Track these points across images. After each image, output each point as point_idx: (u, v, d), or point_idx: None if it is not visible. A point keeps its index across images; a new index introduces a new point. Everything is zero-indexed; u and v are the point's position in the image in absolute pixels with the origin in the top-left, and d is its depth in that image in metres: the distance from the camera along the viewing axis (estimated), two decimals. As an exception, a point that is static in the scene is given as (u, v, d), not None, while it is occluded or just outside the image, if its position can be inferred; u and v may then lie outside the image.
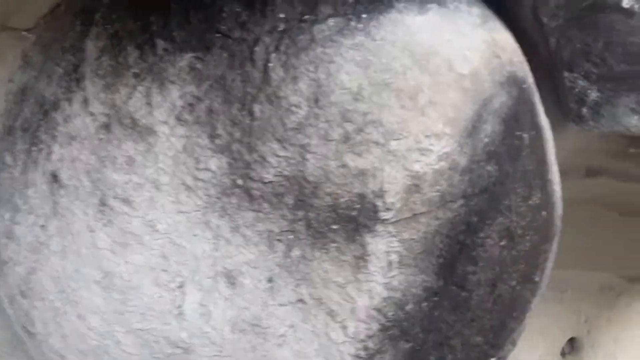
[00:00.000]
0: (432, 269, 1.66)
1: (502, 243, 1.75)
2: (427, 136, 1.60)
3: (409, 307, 1.66)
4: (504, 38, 1.78)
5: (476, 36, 1.71)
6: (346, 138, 1.50)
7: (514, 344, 1.89)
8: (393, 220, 1.59)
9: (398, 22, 1.62)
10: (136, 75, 1.64)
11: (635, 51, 2.07)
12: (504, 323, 1.80)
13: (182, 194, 1.52)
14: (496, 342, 1.81)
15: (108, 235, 1.65)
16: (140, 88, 1.63)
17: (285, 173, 1.51)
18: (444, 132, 1.61)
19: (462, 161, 1.63)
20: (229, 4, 1.60)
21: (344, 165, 1.57)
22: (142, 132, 1.60)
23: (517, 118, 1.74)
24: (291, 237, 1.63)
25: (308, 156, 1.56)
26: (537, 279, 1.91)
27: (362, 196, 1.58)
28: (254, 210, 1.61)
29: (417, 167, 1.58)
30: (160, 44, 1.61)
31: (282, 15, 1.60)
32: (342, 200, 1.58)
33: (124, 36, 1.68)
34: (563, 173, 2.41)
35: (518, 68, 1.78)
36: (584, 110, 2.16)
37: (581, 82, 2.11)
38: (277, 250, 1.63)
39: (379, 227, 1.59)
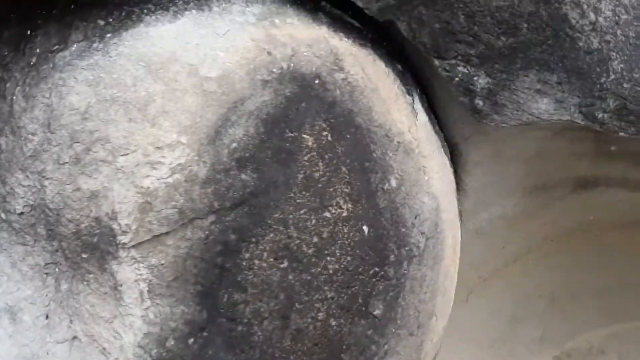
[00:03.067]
0: (190, 298, 1.42)
1: (282, 265, 1.43)
2: (157, 148, 1.41)
3: (170, 343, 1.43)
4: (288, 33, 1.53)
5: (239, 36, 1.49)
6: (77, 159, 1.40)
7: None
8: (133, 243, 1.41)
9: (141, 35, 1.50)
10: None
11: (507, 17, 1.60)
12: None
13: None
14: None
15: None
16: None
17: (31, 202, 1.46)
18: (178, 142, 1.41)
19: (202, 172, 1.40)
20: (-2, 48, 1.63)
21: (78, 189, 1.45)
22: None
23: (290, 118, 1.45)
24: (56, 269, 1.54)
25: (46, 182, 1.48)
26: (376, 311, 1.50)
27: (98, 220, 1.44)
28: (21, 244, 1.57)
29: (147, 182, 1.40)
30: None
31: (37, 51, 1.60)
32: (83, 226, 1.46)
33: None
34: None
35: (305, 63, 1.50)
36: (478, 102, 1.71)
37: (461, 69, 1.68)
38: (48, 285, 1.55)
39: (122, 253, 1.43)
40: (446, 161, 1.74)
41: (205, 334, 1.40)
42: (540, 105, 1.63)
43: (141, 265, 1.41)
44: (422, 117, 1.71)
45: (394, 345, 1.53)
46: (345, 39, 1.62)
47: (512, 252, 2.35)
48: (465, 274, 2.38)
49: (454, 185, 1.76)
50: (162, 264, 1.40)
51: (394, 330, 1.52)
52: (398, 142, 1.60)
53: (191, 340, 1.41)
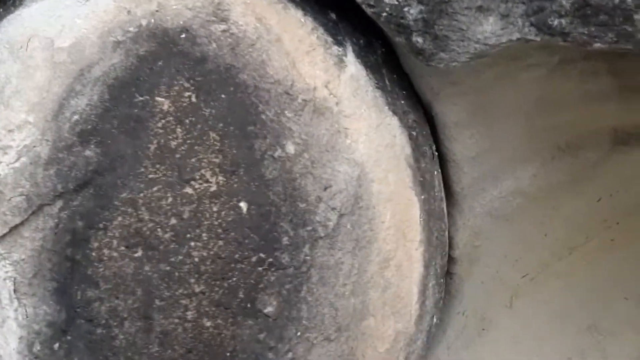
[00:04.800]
0: (49, 297, 1.24)
1: (136, 254, 1.18)
2: (9, 131, 1.27)
3: (36, 349, 1.26)
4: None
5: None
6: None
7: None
8: (-5, 238, 1.29)
9: (15, 17, 1.40)
10: None
11: None
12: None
13: None
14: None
15: None
16: None
17: None
18: (26, 122, 1.26)
19: (44, 151, 1.22)
20: None
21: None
22: None
23: (142, 80, 1.22)
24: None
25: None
26: (267, 309, 1.18)
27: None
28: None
29: (-1, 170, 1.27)
30: None
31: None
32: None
33: None
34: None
35: (172, 18, 1.27)
36: (417, 39, 1.33)
37: (389, 1, 1.32)
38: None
39: (-8, 249, 1.31)
40: (392, 121, 1.35)
41: (68, 337, 1.19)
42: (485, 26, 1.18)
43: (7, 262, 1.25)
44: (353, 69, 1.35)
45: (303, 353, 1.18)
46: (244, -12, 1.34)
47: (561, 240, 1.80)
48: (502, 272, 1.87)
49: (407, 151, 1.36)
50: (22, 259, 1.23)
51: (298, 334, 1.17)
52: (304, 100, 1.27)
53: (56, 345, 1.21)
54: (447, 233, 1.53)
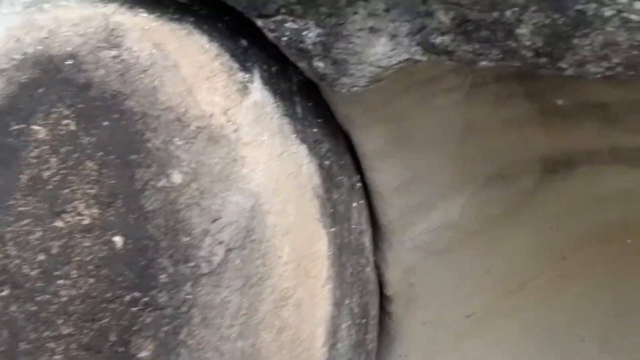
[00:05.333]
0: None
1: (3, 293, 1.10)
2: None
3: None
4: (53, 16, 1.26)
5: (-1, 25, 1.27)
6: None
7: None
8: None
9: None
10: None
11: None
12: None
13: None
14: None
15: None
16: None
17: None
18: None
19: None
20: None
21: None
22: None
23: (20, 107, 1.15)
24: None
25: None
26: (142, 353, 1.08)
27: None
28: None
29: None
30: None
31: None
32: None
33: None
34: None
35: (60, 44, 1.22)
36: (318, 63, 1.26)
37: (288, 25, 1.26)
38: None
39: None
40: (298, 150, 1.27)
41: None
42: (378, 48, 1.11)
43: None
44: (258, 96, 1.28)
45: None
46: (145, 14, 1.29)
47: (508, 276, 1.68)
48: (445, 312, 1.76)
49: (315, 180, 1.28)
50: None
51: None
52: (198, 127, 1.19)
53: None
54: (368, 269, 1.43)
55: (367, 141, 1.39)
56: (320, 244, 1.25)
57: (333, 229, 1.30)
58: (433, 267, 1.62)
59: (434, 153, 1.40)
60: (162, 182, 1.14)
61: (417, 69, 1.23)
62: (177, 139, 1.18)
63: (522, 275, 1.69)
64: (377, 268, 1.62)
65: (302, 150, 1.31)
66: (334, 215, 1.32)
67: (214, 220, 1.15)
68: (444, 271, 1.63)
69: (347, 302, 1.32)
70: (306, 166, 1.30)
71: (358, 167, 1.51)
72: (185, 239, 1.12)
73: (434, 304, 1.70)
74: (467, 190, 1.45)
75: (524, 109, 1.25)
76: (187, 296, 1.10)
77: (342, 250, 1.33)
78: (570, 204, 1.46)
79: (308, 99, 1.44)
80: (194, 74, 1.26)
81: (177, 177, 1.16)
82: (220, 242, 1.14)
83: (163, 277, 1.10)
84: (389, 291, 1.64)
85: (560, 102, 1.20)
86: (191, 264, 1.12)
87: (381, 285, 1.65)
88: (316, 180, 1.30)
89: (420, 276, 1.63)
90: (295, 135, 1.31)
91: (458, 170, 1.42)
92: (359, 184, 1.48)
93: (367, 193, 1.53)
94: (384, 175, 1.44)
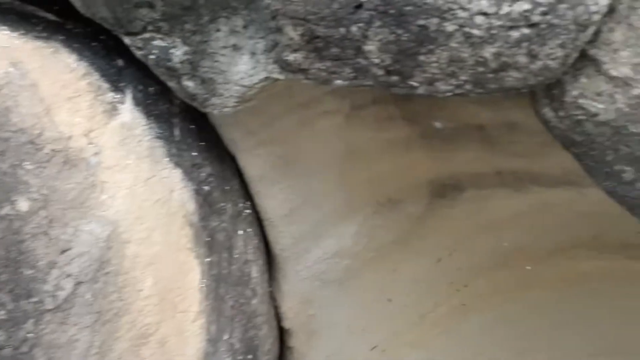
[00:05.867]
0: None
1: None
2: None
3: None
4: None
5: None
6: None
7: None
8: None
9: None
10: None
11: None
12: None
13: None
14: None
15: None
16: None
17: None
18: None
19: None
20: None
21: None
22: None
23: None
24: None
25: None
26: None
27: None
28: None
29: None
30: None
31: None
32: None
33: None
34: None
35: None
36: (187, 83, 1.19)
37: (156, 43, 1.18)
38: None
39: None
40: (170, 174, 1.18)
41: None
42: (240, 66, 1.04)
43: None
44: (127, 117, 1.20)
45: None
46: (7, 32, 1.20)
47: (410, 306, 1.62)
48: (348, 344, 1.67)
49: (189, 207, 1.19)
50: None
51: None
52: (53, 150, 1.10)
53: None
54: (255, 301, 1.34)
55: (253, 165, 1.32)
56: (191, 276, 1.16)
57: (209, 259, 1.21)
58: (332, 297, 1.55)
59: (322, 178, 1.33)
60: (6, 210, 1.04)
61: (296, 91, 1.18)
62: (27, 163, 1.08)
63: (423, 305, 1.62)
64: (274, 300, 1.54)
65: (176, 174, 1.23)
66: (211, 244, 1.23)
67: (63, 251, 1.05)
68: (344, 301, 1.56)
69: (225, 337, 1.23)
70: (179, 192, 1.21)
71: (249, 193, 1.43)
72: (29, 272, 1.02)
73: (336, 336, 1.62)
74: (358, 216, 1.38)
75: (404, 132, 1.20)
76: (28, 334, 0.99)
77: (219, 281, 1.24)
78: (463, 231, 1.41)
79: (191, 121, 1.36)
80: (54, 94, 1.18)
81: (23, 205, 1.06)
82: (69, 275, 1.04)
83: (1, 314, 0.99)
84: (287, 324, 1.56)
85: (438, 124, 1.15)
86: (34, 299, 1.01)
87: (279, 318, 1.57)
88: (190, 206, 1.22)
89: (320, 307, 1.56)
90: (168, 158, 1.23)
91: (347, 196, 1.36)
92: (247, 211, 1.40)
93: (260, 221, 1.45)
94: (273, 201, 1.36)
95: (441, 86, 0.85)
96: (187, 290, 1.17)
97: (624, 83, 0.82)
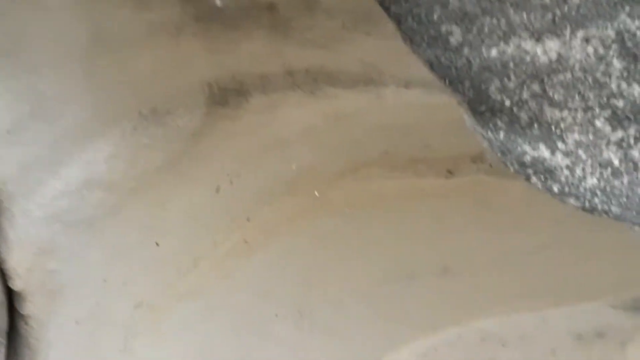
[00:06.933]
0: None
1: None
2: None
3: None
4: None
5: None
6: None
7: None
8: None
9: None
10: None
11: None
12: None
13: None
14: None
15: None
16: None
17: None
18: None
19: None
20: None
21: None
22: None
23: None
24: None
25: None
26: None
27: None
28: None
29: None
30: None
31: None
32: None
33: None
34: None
35: None
36: None
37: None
38: None
39: None
40: None
41: None
42: None
43: None
44: None
45: None
46: None
47: (182, 251, 1.33)
48: (106, 303, 1.33)
49: None
50: None
51: None
52: None
53: None
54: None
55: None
56: None
57: None
58: (80, 244, 1.20)
59: (58, 77, 0.96)
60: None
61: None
62: None
63: (198, 247, 1.36)
64: (-5, 253, 1.12)
65: None
66: None
67: None
68: (97, 248, 1.21)
69: None
70: None
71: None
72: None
73: (88, 295, 1.28)
74: (112, 133, 1.06)
75: (174, 12, 0.90)
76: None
77: None
78: (246, 150, 1.18)
79: None
80: None
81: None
82: None
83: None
84: (18, 284, 1.16)
85: (218, 1, 0.88)
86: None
87: (5, 277, 1.16)
88: None
89: (64, 259, 1.20)
90: None
91: (97, 104, 1.01)
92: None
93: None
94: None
95: None
96: None
97: None
